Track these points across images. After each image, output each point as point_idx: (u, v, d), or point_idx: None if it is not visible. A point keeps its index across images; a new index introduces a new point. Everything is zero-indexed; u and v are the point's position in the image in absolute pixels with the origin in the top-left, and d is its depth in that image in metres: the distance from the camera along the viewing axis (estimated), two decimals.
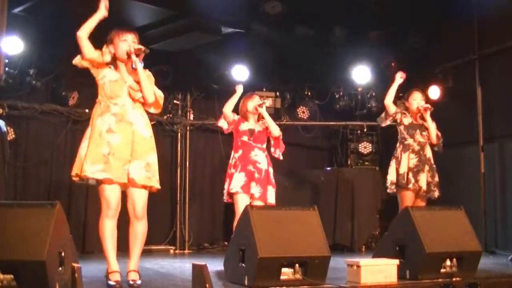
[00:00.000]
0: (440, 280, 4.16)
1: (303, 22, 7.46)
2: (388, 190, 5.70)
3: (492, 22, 7.22)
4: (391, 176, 5.64)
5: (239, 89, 5.67)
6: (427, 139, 5.72)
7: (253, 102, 5.55)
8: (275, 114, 8.34)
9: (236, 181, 5.21)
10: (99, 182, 3.90)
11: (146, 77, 4.08)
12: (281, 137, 5.53)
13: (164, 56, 7.67)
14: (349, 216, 7.92)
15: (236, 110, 5.65)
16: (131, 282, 3.92)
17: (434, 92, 7.73)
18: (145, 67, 4.13)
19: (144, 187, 3.97)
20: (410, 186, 5.51)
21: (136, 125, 3.99)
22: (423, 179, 5.56)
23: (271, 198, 5.33)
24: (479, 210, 7.14)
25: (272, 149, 5.52)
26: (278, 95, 8.33)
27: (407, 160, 5.58)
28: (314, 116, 8.57)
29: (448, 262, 4.26)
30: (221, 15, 6.78)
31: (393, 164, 5.69)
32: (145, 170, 3.95)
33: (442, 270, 4.25)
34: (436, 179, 5.67)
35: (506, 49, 7.05)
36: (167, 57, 7.69)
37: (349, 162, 8.76)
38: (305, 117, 8.52)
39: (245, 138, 5.41)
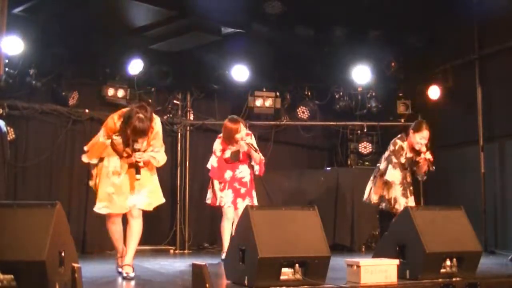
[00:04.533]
0: (440, 280, 4.16)
1: (303, 22, 7.47)
2: (366, 200, 6.02)
3: (492, 22, 7.22)
4: (373, 197, 5.93)
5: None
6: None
7: (239, 135, 6.03)
8: (275, 114, 8.35)
9: (226, 198, 6.03)
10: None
11: (151, 139, 4.66)
12: (263, 161, 6.18)
13: (164, 56, 7.68)
14: (349, 216, 7.91)
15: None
16: (125, 275, 4.45)
17: (434, 92, 7.73)
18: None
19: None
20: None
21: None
22: (411, 201, 5.77)
23: (255, 203, 6.11)
24: (479, 210, 7.14)
25: (254, 164, 6.18)
26: (278, 95, 8.33)
27: (394, 188, 5.78)
28: (314, 116, 8.56)
29: (448, 262, 4.26)
30: (221, 16, 6.78)
31: (373, 181, 5.96)
32: (148, 197, 4.65)
33: (442, 270, 4.25)
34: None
35: (506, 49, 7.05)
36: (167, 57, 7.69)
37: (349, 162, 8.76)
38: (305, 117, 8.51)
39: (230, 161, 6.10)
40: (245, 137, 6.04)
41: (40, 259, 3.19)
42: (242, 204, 5.89)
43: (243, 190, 6.05)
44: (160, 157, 4.73)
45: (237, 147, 6.07)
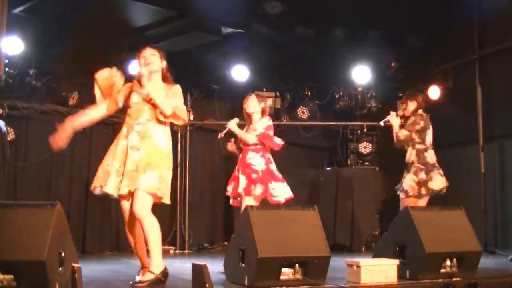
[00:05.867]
0: (440, 280, 4.16)
1: (303, 22, 7.47)
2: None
3: (492, 22, 7.21)
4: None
5: None
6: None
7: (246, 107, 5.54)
8: (275, 114, 8.35)
9: (240, 184, 5.28)
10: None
11: (168, 94, 4.25)
12: (263, 138, 5.40)
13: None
14: (349, 216, 7.91)
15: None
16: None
17: (434, 92, 7.73)
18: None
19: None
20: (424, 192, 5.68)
21: (156, 138, 4.12)
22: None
23: (282, 193, 5.31)
24: (479, 210, 7.14)
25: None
26: (278, 95, 8.33)
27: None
28: (314, 116, 8.57)
29: (448, 262, 4.27)
30: (221, 16, 6.78)
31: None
32: (158, 181, 4.00)
33: (442, 270, 4.25)
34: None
35: (506, 49, 7.05)
36: (167, 57, 7.66)
37: (349, 162, 8.76)
38: (305, 117, 8.52)
39: (241, 143, 5.50)
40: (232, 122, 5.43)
41: (40, 259, 3.19)
42: (256, 190, 5.24)
43: (254, 175, 5.29)
44: (180, 105, 4.28)
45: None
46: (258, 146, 5.47)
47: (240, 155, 5.47)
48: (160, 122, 4.19)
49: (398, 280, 4.07)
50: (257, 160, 5.38)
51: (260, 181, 5.28)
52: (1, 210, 3.46)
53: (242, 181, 5.28)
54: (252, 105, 5.49)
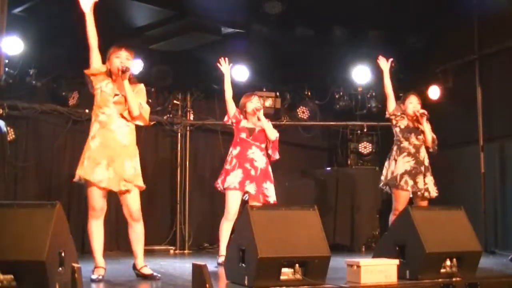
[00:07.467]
0: (440, 280, 4.16)
1: (303, 22, 7.47)
2: (382, 185, 5.88)
3: (492, 22, 7.21)
4: (383, 177, 5.83)
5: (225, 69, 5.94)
6: (422, 141, 5.79)
7: (252, 104, 5.65)
8: (275, 114, 8.34)
9: (232, 178, 5.50)
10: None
11: (133, 92, 4.43)
12: (277, 140, 5.74)
13: (164, 56, 7.67)
14: (349, 216, 7.92)
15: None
16: (151, 274, 4.49)
17: (434, 92, 7.73)
18: (142, 75, 4.51)
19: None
20: (409, 188, 5.64)
21: (117, 132, 4.37)
22: (421, 181, 5.67)
23: (272, 195, 5.58)
24: (479, 210, 7.14)
25: (270, 151, 5.73)
26: (278, 95, 8.33)
27: (402, 163, 5.69)
28: (314, 116, 8.57)
29: (448, 262, 4.26)
30: (221, 16, 6.78)
31: (386, 164, 5.83)
32: (119, 176, 4.31)
33: (442, 270, 4.25)
34: (432, 179, 5.77)
35: (506, 49, 7.05)
36: (167, 57, 7.68)
37: (349, 162, 8.76)
38: (305, 117, 8.52)
39: (243, 135, 5.61)
40: (259, 113, 5.61)
41: (40, 259, 3.19)
42: (251, 187, 5.47)
43: (252, 172, 5.51)
44: (143, 104, 4.48)
45: (253, 123, 5.67)
46: (262, 145, 5.58)
47: (239, 148, 5.58)
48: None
49: (398, 280, 4.07)
50: (260, 157, 5.59)
51: (256, 180, 5.49)
52: (1, 210, 3.46)
53: (238, 175, 5.52)
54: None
